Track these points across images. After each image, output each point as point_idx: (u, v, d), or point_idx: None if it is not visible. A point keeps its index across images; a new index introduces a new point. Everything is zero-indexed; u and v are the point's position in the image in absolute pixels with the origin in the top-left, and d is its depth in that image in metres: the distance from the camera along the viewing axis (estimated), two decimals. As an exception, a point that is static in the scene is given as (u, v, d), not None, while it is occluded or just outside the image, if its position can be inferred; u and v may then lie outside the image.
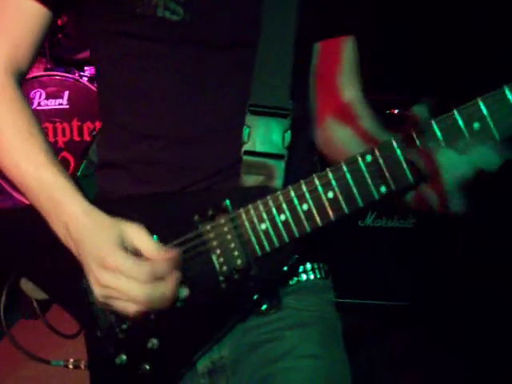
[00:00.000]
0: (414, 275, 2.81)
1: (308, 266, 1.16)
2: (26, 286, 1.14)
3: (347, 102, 1.20)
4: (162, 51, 1.02)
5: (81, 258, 0.96)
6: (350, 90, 1.21)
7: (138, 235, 0.95)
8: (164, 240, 0.99)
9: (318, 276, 1.17)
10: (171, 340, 1.03)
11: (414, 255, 2.81)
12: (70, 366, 1.20)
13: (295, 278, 1.14)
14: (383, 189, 0.89)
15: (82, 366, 1.18)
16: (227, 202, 0.97)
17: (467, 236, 2.77)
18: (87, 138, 3.69)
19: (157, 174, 1.07)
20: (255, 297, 1.03)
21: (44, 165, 0.99)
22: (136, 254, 0.94)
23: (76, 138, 3.71)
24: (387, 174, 0.88)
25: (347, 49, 1.19)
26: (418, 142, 0.86)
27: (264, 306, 1.08)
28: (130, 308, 0.92)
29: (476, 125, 0.83)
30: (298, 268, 1.14)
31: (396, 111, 3.08)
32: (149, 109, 1.06)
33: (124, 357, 1.05)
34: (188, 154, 1.05)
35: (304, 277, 1.16)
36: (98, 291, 0.94)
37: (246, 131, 1.03)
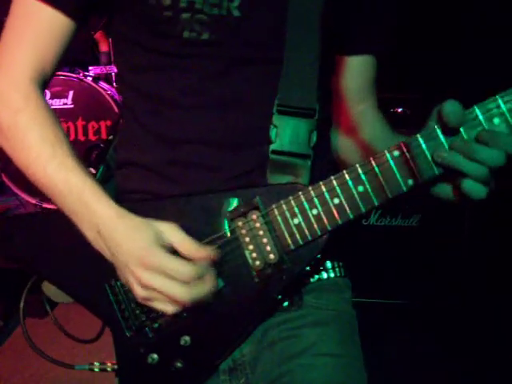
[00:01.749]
0: (416, 274, 2.81)
1: (328, 264, 1.18)
2: (48, 289, 1.13)
3: (356, 117, 1.22)
4: (188, 66, 1.02)
5: (114, 259, 0.96)
6: (360, 105, 1.22)
7: (174, 233, 0.95)
8: (195, 238, 0.99)
9: (338, 274, 1.19)
10: (204, 336, 1.04)
11: (417, 254, 2.81)
12: (96, 370, 1.19)
13: (316, 276, 1.16)
14: (410, 182, 0.92)
15: (109, 369, 1.17)
16: (258, 198, 0.99)
17: (471, 233, 2.77)
18: (92, 137, 3.70)
19: (184, 174, 1.08)
20: (279, 296, 1.04)
21: (72, 169, 0.99)
22: (172, 252, 0.94)
23: (81, 137, 3.72)
24: (414, 168, 0.91)
25: (361, 65, 1.19)
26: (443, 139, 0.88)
27: (286, 303, 1.10)
28: (169, 308, 0.93)
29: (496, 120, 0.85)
30: (320, 265, 1.16)
31: (400, 110, 3.08)
32: (176, 115, 1.06)
33: (155, 356, 1.05)
34: (215, 155, 1.06)
35: (325, 275, 1.18)
36: (138, 292, 0.93)
37: (273, 131, 1.04)
